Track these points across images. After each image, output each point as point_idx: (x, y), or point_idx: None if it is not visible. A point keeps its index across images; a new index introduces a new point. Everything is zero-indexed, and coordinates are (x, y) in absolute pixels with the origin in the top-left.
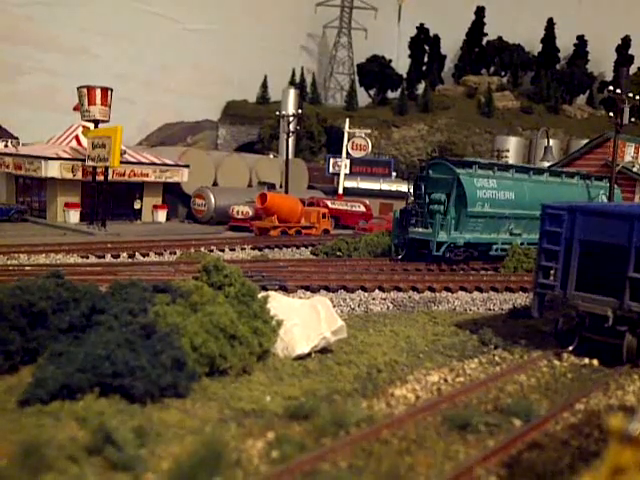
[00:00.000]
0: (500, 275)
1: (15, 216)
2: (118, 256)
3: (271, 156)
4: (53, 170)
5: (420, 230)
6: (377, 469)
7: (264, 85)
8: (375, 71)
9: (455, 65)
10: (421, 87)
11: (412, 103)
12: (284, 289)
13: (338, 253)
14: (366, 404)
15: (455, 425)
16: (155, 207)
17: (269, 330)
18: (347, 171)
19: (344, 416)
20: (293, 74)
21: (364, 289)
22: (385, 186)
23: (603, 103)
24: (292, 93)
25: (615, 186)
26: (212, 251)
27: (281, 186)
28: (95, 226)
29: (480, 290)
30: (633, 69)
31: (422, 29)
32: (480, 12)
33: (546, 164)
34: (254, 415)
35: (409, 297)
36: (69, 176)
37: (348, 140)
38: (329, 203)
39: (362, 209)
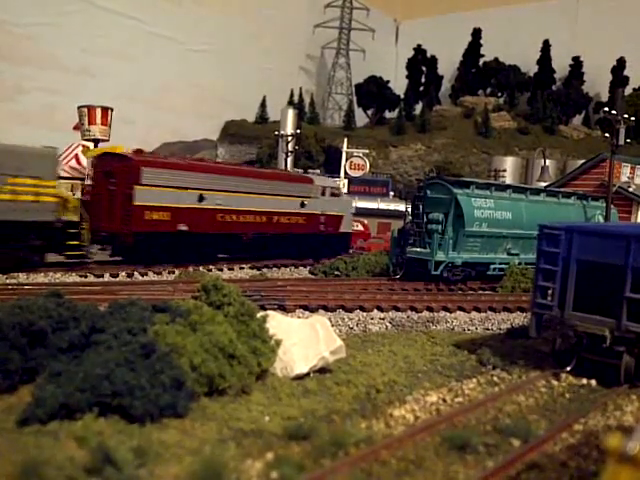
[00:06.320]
0: (498, 295)
1: None
2: (117, 275)
3: None
4: None
5: (418, 250)
6: None
7: (263, 105)
8: (373, 91)
9: (452, 86)
10: (418, 107)
11: (409, 123)
12: (283, 308)
13: (336, 272)
14: (365, 424)
15: (454, 445)
16: None
17: (268, 350)
18: (345, 190)
19: (343, 436)
20: (292, 94)
21: (362, 309)
22: (383, 205)
23: (599, 124)
24: (291, 113)
25: (612, 206)
26: (211, 270)
27: None
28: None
29: (478, 310)
30: (628, 90)
31: (419, 50)
32: (477, 34)
33: (543, 184)
34: (253, 435)
35: (407, 317)
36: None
37: (346, 160)
38: None
39: (360, 228)
